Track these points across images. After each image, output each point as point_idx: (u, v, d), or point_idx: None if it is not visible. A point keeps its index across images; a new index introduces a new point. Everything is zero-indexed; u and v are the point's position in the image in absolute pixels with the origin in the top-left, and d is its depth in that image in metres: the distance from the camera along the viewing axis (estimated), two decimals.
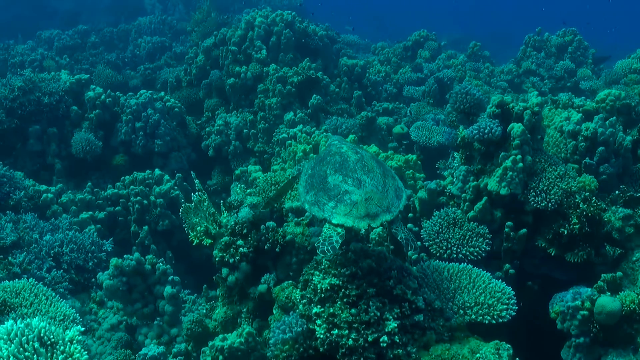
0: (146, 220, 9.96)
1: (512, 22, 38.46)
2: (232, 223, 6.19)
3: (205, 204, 6.58)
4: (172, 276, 7.25)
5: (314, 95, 11.36)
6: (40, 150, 11.17)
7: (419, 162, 9.62)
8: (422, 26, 17.86)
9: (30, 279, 6.55)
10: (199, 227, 6.35)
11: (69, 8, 25.68)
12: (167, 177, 10.42)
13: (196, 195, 6.55)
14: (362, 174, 5.14)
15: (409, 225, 7.17)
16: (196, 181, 6.68)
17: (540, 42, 16.04)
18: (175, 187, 10.34)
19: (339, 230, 4.97)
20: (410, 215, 7.29)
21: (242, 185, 7.22)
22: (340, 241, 4.92)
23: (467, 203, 6.91)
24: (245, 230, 6.08)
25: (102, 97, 11.48)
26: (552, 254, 6.64)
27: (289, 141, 10.29)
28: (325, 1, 21.64)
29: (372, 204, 4.98)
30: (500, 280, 5.92)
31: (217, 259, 6.12)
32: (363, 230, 5.57)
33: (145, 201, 9.99)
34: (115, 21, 22.75)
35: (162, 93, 12.28)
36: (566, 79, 14.90)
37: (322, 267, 5.22)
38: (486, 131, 6.63)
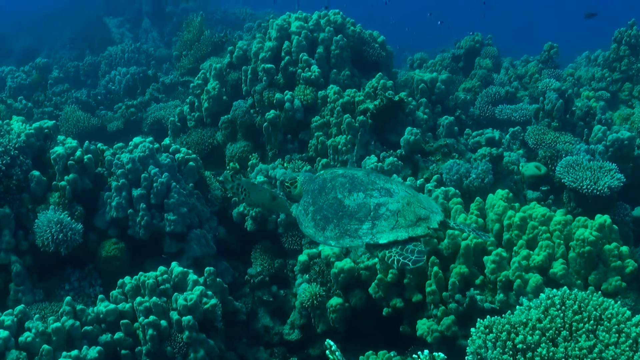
0: (168, 354, 6.01)
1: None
2: None
3: None
4: None
5: (408, 128, 7.42)
6: None
7: (615, 227, 5.84)
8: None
9: None
10: None
11: (26, 45, 22.49)
12: (192, 275, 6.43)
13: None
14: (384, 183, 4.15)
15: None
16: None
17: (636, 37, 12.41)
18: (209, 293, 6.37)
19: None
20: None
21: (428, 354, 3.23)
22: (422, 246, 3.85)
23: None
24: None
25: (78, 153, 7.43)
26: None
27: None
28: None
29: (416, 206, 4.00)
30: None
31: None
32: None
33: (163, 322, 6.01)
34: (80, 55, 19.20)
35: (168, 140, 8.22)
36: None
37: None
38: None
